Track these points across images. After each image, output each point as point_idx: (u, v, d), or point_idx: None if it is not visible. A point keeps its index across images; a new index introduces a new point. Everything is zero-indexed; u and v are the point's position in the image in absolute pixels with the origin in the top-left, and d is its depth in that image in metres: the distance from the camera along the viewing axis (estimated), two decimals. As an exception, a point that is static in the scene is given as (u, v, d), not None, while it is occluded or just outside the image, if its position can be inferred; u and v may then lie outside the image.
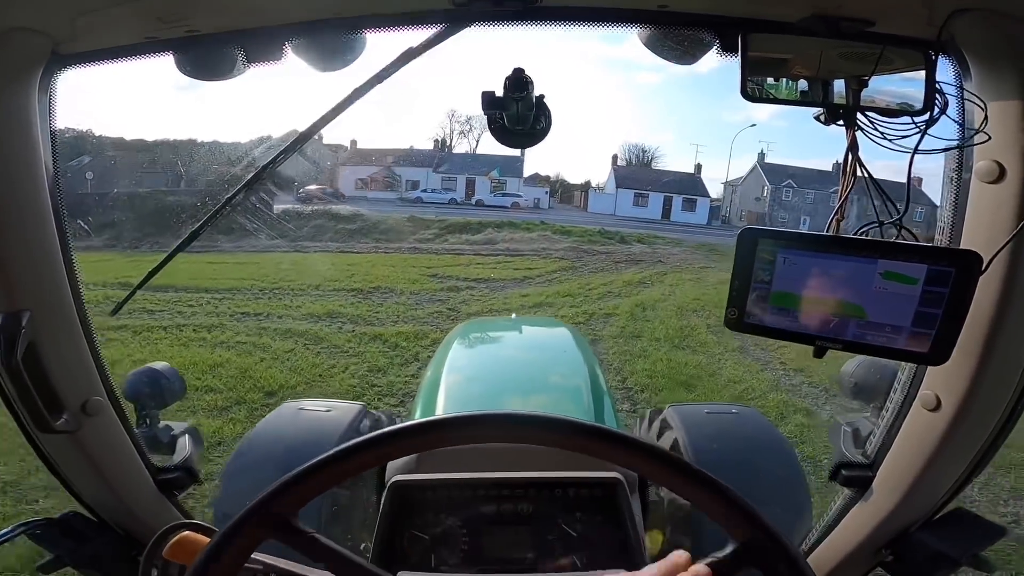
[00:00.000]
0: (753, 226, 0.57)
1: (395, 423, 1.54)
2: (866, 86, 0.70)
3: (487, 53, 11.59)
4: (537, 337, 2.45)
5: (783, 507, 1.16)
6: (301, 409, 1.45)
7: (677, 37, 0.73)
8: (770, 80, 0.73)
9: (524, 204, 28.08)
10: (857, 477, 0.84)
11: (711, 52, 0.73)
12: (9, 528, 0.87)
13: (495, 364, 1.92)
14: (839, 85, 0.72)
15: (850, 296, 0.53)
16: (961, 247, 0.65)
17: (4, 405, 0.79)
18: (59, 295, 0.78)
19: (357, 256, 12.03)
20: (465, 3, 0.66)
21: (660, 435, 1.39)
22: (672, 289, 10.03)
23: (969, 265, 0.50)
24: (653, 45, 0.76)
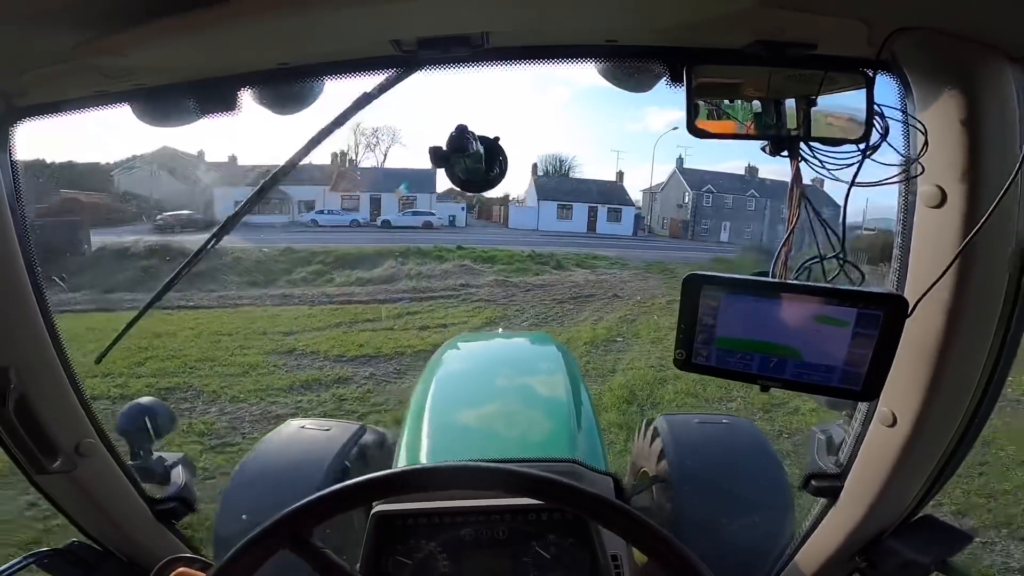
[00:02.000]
0: (697, 272, 0.58)
1: (393, 442, 1.57)
2: (815, 105, 0.70)
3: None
4: (524, 352, 2.46)
5: (762, 516, 1.19)
6: (302, 428, 1.48)
7: (628, 69, 0.73)
8: (725, 103, 0.73)
9: (438, 223, 24.12)
10: (827, 487, 0.85)
11: (661, 82, 0.73)
12: (18, 559, 0.90)
13: (482, 381, 1.93)
14: (790, 107, 0.71)
15: (788, 337, 0.55)
16: (907, 274, 0.66)
17: (3, 450, 0.81)
18: (41, 348, 0.79)
19: (184, 315, 7.33)
20: (412, 50, 0.65)
21: (651, 444, 1.42)
22: (662, 352, 6.10)
23: (896, 309, 0.51)
24: (608, 75, 0.75)
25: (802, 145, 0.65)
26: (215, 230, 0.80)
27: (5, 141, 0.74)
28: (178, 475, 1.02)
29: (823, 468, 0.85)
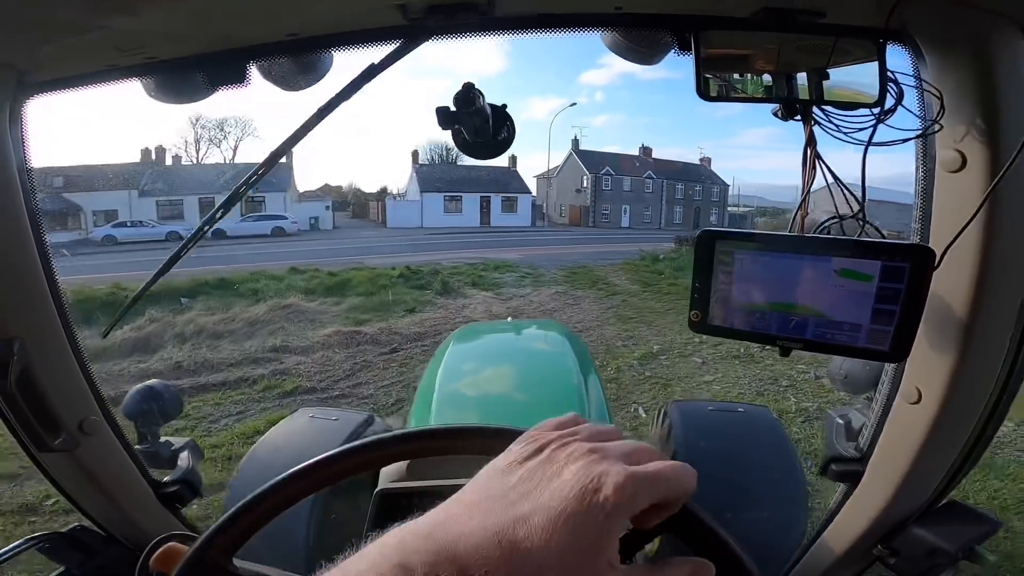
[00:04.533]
0: (711, 228, 0.54)
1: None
2: (826, 78, 0.67)
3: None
4: (533, 340, 2.40)
5: (776, 506, 1.13)
6: (312, 417, 1.45)
7: (635, 38, 0.70)
8: (735, 76, 0.70)
9: (293, 228, 19.38)
10: (848, 472, 0.80)
11: (670, 52, 0.70)
12: (19, 542, 0.86)
13: (490, 368, 1.88)
14: (800, 79, 0.69)
15: (808, 295, 0.51)
16: (930, 238, 0.62)
17: (4, 427, 0.78)
18: (48, 321, 0.77)
19: None
20: (420, 18, 0.63)
21: (664, 431, 1.37)
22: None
23: (922, 259, 0.47)
24: (615, 47, 0.73)
25: (815, 109, 0.61)
26: (219, 204, 0.78)
27: (17, 117, 0.73)
28: (184, 459, 0.99)
29: (842, 453, 0.80)
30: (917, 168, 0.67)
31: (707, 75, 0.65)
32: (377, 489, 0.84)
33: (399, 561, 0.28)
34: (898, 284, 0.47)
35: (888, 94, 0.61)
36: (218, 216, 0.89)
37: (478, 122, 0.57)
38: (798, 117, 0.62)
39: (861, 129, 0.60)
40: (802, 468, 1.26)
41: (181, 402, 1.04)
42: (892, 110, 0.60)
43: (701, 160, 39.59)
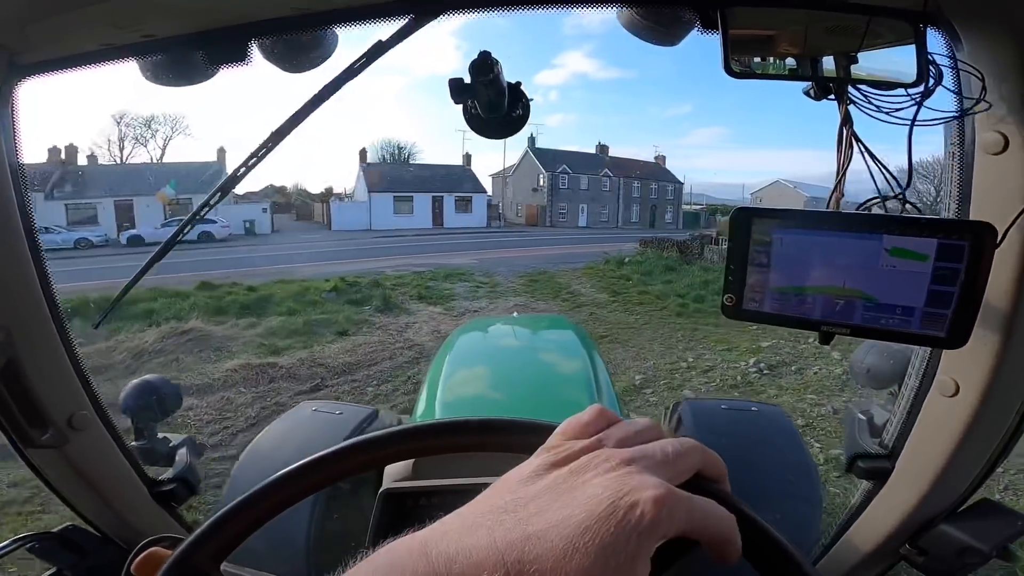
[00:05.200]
0: (746, 206, 0.50)
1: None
2: (855, 62, 0.64)
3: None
4: (540, 335, 2.36)
5: (789, 507, 1.08)
6: (315, 411, 1.41)
7: (656, 16, 0.66)
8: (757, 59, 0.67)
9: (223, 233, 17.53)
10: (876, 469, 0.76)
11: (693, 31, 0.66)
12: (7, 541, 0.82)
13: (496, 363, 1.84)
14: (828, 62, 0.65)
15: (856, 276, 0.46)
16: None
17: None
18: (36, 310, 0.73)
19: None
20: (431, -11, 0.59)
21: (674, 429, 1.33)
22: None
23: (983, 237, 0.43)
24: (631, 26, 0.69)
25: (851, 89, 0.58)
26: (213, 191, 0.74)
27: (7, 100, 0.69)
28: (182, 456, 0.95)
29: (867, 449, 0.76)
30: (952, 151, 0.63)
31: (733, 56, 0.62)
32: (382, 489, 0.79)
33: None
34: (957, 264, 0.43)
35: (928, 75, 0.58)
36: (213, 202, 0.85)
37: (493, 95, 0.53)
38: (831, 96, 0.58)
39: (899, 109, 0.56)
40: (816, 468, 1.22)
41: (180, 397, 1.00)
42: (932, 91, 0.57)
43: (656, 158, 38.80)
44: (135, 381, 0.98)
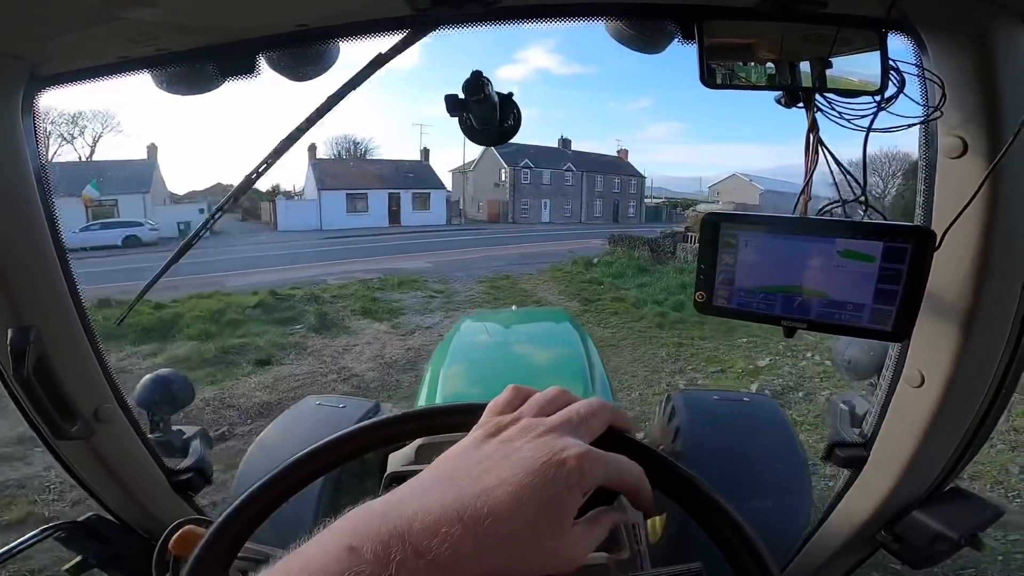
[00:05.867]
0: (716, 211, 0.54)
1: None
2: (828, 67, 0.68)
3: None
4: (540, 327, 2.41)
5: (779, 494, 1.13)
6: (319, 405, 1.47)
7: (640, 27, 0.70)
8: (738, 64, 0.70)
9: (152, 236, 15.85)
10: (852, 457, 0.79)
11: (674, 41, 0.70)
12: (36, 531, 0.87)
13: (495, 353, 1.90)
14: (804, 67, 0.69)
15: (812, 275, 0.51)
16: (932, 223, 0.63)
17: (21, 415, 0.79)
18: (63, 309, 0.77)
19: None
20: (426, 9, 0.63)
21: (668, 420, 1.38)
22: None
23: (923, 240, 0.47)
24: (619, 36, 0.73)
25: (818, 97, 0.62)
26: (228, 194, 0.78)
27: (29, 109, 0.73)
28: (196, 447, 1.00)
29: (845, 438, 0.80)
30: (920, 155, 0.67)
31: (711, 64, 0.66)
32: (387, 473, 0.84)
33: (348, 543, 0.27)
34: (899, 265, 0.47)
35: (890, 82, 0.62)
36: (226, 207, 0.89)
37: (486, 110, 0.57)
38: (800, 104, 0.62)
39: (863, 116, 0.60)
40: (806, 457, 1.27)
41: (192, 390, 1.05)
42: (894, 98, 0.61)
43: (619, 152, 37.96)
44: (149, 375, 1.03)
